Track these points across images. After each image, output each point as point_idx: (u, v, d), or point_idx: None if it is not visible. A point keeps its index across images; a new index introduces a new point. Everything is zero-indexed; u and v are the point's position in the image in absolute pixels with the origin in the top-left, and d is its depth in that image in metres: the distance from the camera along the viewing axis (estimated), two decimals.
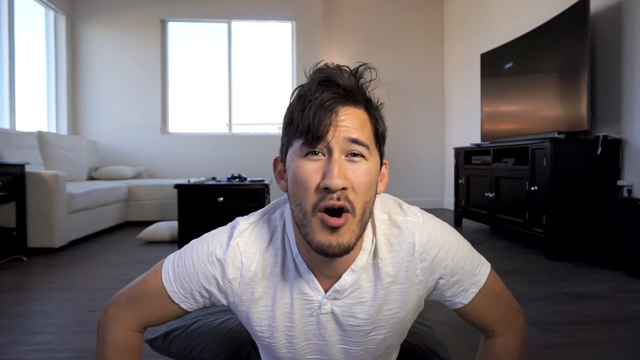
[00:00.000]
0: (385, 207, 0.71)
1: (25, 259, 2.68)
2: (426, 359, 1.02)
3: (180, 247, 2.86)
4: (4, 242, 2.65)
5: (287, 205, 0.69)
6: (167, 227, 3.29)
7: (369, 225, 0.68)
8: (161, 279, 0.72)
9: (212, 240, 0.71)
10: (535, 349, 1.35)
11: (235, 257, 0.68)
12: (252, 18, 5.10)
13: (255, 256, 0.69)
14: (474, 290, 0.72)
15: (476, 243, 3.11)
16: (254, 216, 0.73)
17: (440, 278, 0.71)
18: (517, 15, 3.80)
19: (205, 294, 0.71)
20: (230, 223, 0.74)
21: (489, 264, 0.76)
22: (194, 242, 0.73)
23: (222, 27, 5.15)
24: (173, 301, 0.71)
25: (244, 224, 0.72)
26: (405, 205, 0.73)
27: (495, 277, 0.76)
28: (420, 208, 0.73)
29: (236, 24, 5.17)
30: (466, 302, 0.73)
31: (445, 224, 0.74)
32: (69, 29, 4.78)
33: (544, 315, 1.66)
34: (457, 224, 3.93)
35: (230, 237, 0.70)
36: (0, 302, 1.85)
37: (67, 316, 1.68)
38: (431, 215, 0.73)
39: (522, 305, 1.84)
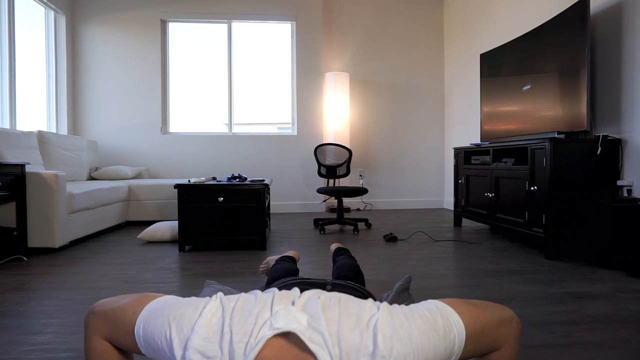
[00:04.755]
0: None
1: (25, 259, 2.68)
2: None
3: (180, 247, 2.87)
4: (4, 242, 2.66)
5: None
6: (168, 227, 3.29)
7: None
8: (133, 331, 0.74)
9: (183, 321, 0.70)
10: (535, 349, 1.35)
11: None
12: (252, 18, 5.10)
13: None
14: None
15: (476, 243, 3.11)
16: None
17: None
18: (517, 15, 3.80)
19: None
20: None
21: (463, 328, 0.71)
22: (168, 314, 0.71)
23: (222, 27, 5.16)
24: (140, 350, 0.74)
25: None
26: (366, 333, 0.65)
27: (472, 321, 0.72)
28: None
29: (236, 25, 5.17)
30: None
31: (412, 320, 0.67)
32: (69, 29, 4.78)
33: (544, 315, 1.66)
34: (456, 224, 3.93)
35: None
36: (1, 302, 1.85)
37: (67, 316, 1.68)
38: (395, 320, 0.66)
39: (522, 305, 1.84)
